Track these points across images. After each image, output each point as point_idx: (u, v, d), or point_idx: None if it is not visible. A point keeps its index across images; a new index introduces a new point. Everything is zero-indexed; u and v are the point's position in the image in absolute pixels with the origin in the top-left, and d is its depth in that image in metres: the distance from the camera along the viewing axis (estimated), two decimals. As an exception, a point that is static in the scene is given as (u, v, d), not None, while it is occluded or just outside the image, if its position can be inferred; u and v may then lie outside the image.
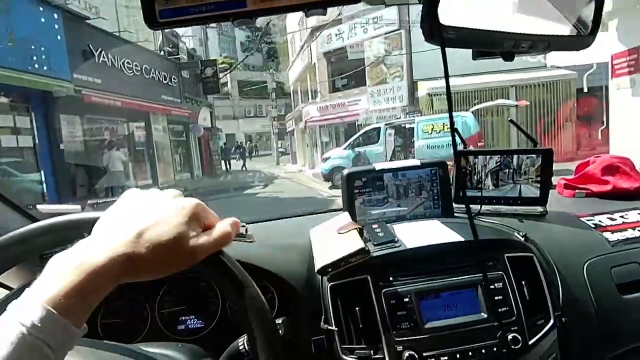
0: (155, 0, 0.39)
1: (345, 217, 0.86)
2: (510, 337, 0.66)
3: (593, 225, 0.88)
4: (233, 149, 25.35)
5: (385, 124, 10.16)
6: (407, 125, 9.74)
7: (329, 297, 0.70)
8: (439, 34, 0.44)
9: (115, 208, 0.41)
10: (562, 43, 0.55)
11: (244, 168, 20.41)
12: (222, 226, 0.43)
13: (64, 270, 0.34)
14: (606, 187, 1.00)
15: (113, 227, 0.39)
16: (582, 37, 0.54)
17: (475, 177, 0.96)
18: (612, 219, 0.89)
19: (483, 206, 0.96)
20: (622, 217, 0.90)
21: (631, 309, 0.77)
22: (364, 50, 13.41)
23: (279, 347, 0.43)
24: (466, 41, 0.47)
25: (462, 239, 0.75)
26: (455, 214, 0.94)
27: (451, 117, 0.47)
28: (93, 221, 0.40)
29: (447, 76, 0.44)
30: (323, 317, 0.70)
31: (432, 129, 8.79)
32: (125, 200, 0.42)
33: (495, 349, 0.66)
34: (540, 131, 10.27)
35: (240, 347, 0.53)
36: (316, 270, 0.72)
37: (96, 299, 0.35)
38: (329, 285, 0.71)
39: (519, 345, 0.66)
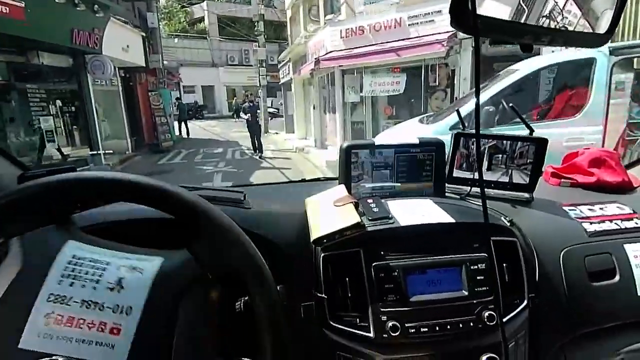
0: None
1: (341, 189, 0.87)
2: (486, 314, 0.72)
3: (574, 215, 0.93)
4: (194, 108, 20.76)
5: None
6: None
7: (321, 267, 0.73)
8: (474, 23, 0.43)
9: None
10: (580, 39, 0.56)
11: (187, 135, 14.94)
12: None
13: None
14: (591, 179, 1.04)
15: None
16: (600, 35, 0.55)
17: (471, 159, 0.98)
18: (592, 210, 0.94)
19: (475, 188, 0.98)
20: (601, 209, 0.95)
21: (599, 295, 0.84)
22: None
23: (281, 310, 0.45)
24: (491, 31, 0.47)
25: (453, 220, 0.78)
26: (448, 194, 0.96)
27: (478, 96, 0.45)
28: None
29: (477, 64, 0.44)
30: (315, 285, 0.74)
31: None
32: None
33: (472, 324, 0.71)
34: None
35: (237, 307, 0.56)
36: (311, 240, 0.74)
37: None
38: (322, 255, 0.74)
39: (493, 322, 0.72)
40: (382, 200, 0.87)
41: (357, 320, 0.71)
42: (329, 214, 0.79)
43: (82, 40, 7.49)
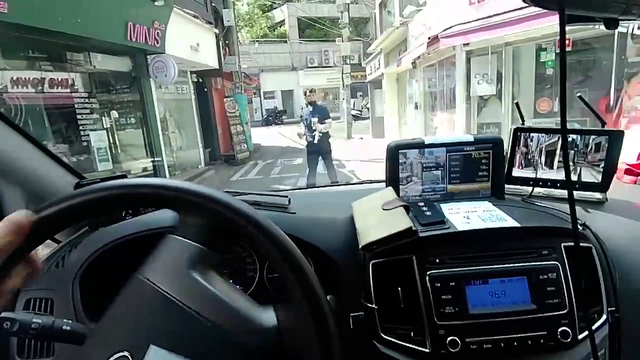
0: None
1: (389, 192, 0.84)
2: (560, 330, 0.65)
3: None
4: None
5: None
6: None
7: (371, 275, 0.70)
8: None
9: None
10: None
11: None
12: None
13: None
14: None
15: None
16: None
17: (529, 156, 0.90)
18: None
19: (538, 188, 0.91)
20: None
21: None
22: None
23: (333, 322, 0.43)
24: (576, 4, 0.42)
25: (516, 224, 0.72)
26: (507, 196, 0.90)
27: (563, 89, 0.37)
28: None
29: (563, 46, 0.37)
30: (364, 294, 0.71)
31: None
32: None
33: (542, 340, 0.65)
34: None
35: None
36: (360, 246, 0.71)
37: None
38: (372, 262, 0.71)
39: (569, 340, 0.65)
40: (436, 204, 0.83)
41: (412, 333, 0.67)
42: (378, 218, 0.76)
43: (139, 37, 6.22)
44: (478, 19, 6.17)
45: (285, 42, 24.09)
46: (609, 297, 0.70)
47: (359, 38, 20.08)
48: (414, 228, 0.70)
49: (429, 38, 7.10)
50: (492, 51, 6.46)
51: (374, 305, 0.69)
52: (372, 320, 0.69)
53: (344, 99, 14.27)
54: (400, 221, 0.71)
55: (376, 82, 13.38)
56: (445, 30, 6.69)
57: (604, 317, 0.68)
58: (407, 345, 0.67)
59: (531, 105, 6.10)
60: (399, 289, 0.68)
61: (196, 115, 9.77)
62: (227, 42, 11.21)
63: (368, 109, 16.08)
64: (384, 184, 0.91)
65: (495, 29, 5.75)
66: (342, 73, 13.87)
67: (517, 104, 0.96)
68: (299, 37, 23.84)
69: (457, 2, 6.69)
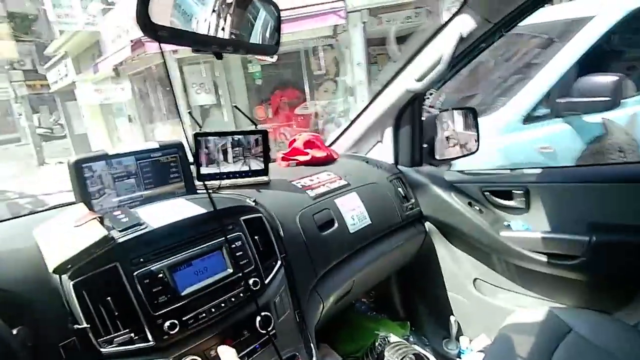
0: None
1: (80, 208, 0.80)
2: (251, 282, 0.83)
3: (300, 186, 1.19)
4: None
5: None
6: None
7: (74, 295, 0.66)
8: (153, 30, 0.50)
9: None
10: (257, 49, 0.74)
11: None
12: None
13: None
14: (307, 157, 1.36)
15: None
16: (272, 46, 0.74)
17: (215, 155, 1.08)
18: (311, 180, 1.24)
19: (223, 180, 1.10)
20: (317, 178, 1.26)
21: (327, 240, 1.12)
22: None
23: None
24: (177, 38, 0.55)
25: (205, 211, 0.84)
26: (199, 191, 1.03)
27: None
28: None
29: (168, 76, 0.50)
30: (70, 317, 0.66)
31: None
32: None
33: (241, 294, 0.81)
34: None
35: None
36: (51, 269, 0.65)
37: None
38: (72, 282, 0.66)
39: (258, 287, 0.84)
40: (132, 210, 0.85)
41: (133, 334, 0.68)
42: (68, 237, 0.70)
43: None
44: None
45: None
46: (279, 248, 0.95)
47: (28, 39, 15.74)
48: (109, 236, 0.70)
49: (131, 41, 6.48)
50: (204, 60, 6.59)
51: (84, 325, 0.66)
52: (87, 340, 0.66)
53: (20, 115, 10.98)
54: (95, 232, 0.69)
55: (67, 93, 11.23)
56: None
57: (279, 262, 0.93)
58: (131, 347, 0.68)
59: (249, 113, 6.48)
60: (109, 298, 0.68)
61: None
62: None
63: (61, 125, 13.02)
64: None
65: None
66: (11, 81, 10.82)
67: (236, 106, 1.11)
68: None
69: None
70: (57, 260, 0.65)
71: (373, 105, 1.50)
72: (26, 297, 0.67)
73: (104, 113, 10.35)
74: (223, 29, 0.62)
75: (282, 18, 0.72)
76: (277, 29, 0.73)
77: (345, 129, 1.62)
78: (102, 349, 0.66)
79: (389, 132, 1.52)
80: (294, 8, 5.56)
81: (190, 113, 1.08)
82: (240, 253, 0.85)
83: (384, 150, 1.55)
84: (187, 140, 0.81)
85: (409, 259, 1.51)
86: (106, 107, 10.04)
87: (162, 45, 0.51)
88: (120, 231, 0.75)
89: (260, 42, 0.71)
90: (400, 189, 1.42)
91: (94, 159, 0.87)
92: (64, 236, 0.71)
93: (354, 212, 1.22)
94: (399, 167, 1.52)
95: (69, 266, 0.66)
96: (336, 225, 1.16)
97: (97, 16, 8.29)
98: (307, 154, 1.36)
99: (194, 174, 1.04)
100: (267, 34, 0.73)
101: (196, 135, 1.04)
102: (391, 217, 1.34)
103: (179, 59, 6.72)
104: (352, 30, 5.64)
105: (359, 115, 1.56)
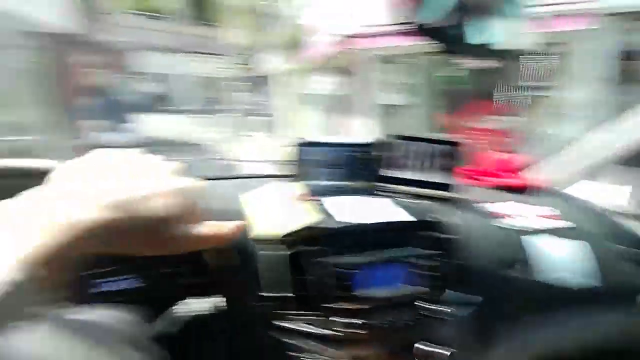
0: None
1: (297, 186, 0.90)
2: (424, 304, 0.79)
3: (494, 213, 1.05)
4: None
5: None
6: None
7: (284, 265, 0.73)
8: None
9: (96, 164, 0.36)
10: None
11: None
12: (219, 226, 0.42)
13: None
14: (513, 181, 1.20)
15: (94, 185, 0.34)
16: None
17: (402, 160, 1.07)
18: (500, 208, 1.08)
19: (402, 187, 1.07)
20: (515, 207, 1.08)
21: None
22: None
23: None
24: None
25: (401, 219, 0.84)
26: (381, 193, 1.04)
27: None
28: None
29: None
30: (257, 285, 0.74)
31: None
32: (109, 158, 0.37)
33: (417, 316, 0.78)
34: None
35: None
36: (282, 236, 0.74)
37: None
38: (268, 253, 0.74)
39: (435, 314, 0.79)
40: (329, 198, 0.91)
41: (309, 318, 0.73)
42: (283, 211, 0.79)
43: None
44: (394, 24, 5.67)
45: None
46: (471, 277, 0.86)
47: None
48: (322, 221, 0.76)
49: (342, 36, 6.57)
50: (400, 60, 6.50)
51: (270, 294, 0.72)
52: (268, 309, 0.72)
53: (236, 91, 13.24)
54: (310, 213, 0.77)
55: (273, 77, 12.61)
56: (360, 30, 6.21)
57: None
58: (304, 330, 0.72)
59: (439, 118, 6.01)
60: (296, 277, 0.73)
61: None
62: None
63: (263, 104, 14.49)
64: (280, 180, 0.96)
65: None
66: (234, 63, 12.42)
67: (435, 113, 1.10)
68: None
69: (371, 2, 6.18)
70: (269, 229, 0.74)
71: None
72: (235, 259, 0.75)
73: (302, 101, 11.09)
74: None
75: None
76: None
77: (562, 157, 1.35)
78: (279, 322, 0.73)
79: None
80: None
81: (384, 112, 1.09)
82: (419, 271, 0.81)
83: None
84: (374, 139, 0.81)
85: None
86: (305, 96, 10.86)
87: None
88: (327, 219, 0.81)
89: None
90: None
91: (313, 144, 0.97)
92: (279, 208, 0.80)
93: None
94: None
95: (284, 238, 0.74)
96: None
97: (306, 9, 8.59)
98: (500, 176, 1.20)
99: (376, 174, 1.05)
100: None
101: (394, 137, 1.05)
102: None
103: (382, 56, 6.47)
104: (598, 37, 4.53)
105: (592, 141, 1.27)
